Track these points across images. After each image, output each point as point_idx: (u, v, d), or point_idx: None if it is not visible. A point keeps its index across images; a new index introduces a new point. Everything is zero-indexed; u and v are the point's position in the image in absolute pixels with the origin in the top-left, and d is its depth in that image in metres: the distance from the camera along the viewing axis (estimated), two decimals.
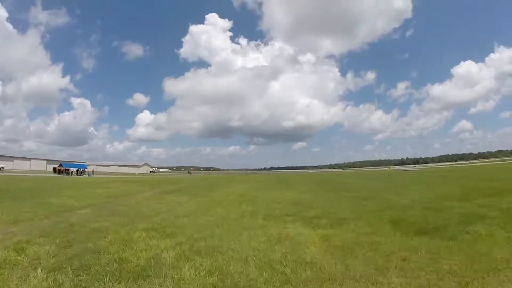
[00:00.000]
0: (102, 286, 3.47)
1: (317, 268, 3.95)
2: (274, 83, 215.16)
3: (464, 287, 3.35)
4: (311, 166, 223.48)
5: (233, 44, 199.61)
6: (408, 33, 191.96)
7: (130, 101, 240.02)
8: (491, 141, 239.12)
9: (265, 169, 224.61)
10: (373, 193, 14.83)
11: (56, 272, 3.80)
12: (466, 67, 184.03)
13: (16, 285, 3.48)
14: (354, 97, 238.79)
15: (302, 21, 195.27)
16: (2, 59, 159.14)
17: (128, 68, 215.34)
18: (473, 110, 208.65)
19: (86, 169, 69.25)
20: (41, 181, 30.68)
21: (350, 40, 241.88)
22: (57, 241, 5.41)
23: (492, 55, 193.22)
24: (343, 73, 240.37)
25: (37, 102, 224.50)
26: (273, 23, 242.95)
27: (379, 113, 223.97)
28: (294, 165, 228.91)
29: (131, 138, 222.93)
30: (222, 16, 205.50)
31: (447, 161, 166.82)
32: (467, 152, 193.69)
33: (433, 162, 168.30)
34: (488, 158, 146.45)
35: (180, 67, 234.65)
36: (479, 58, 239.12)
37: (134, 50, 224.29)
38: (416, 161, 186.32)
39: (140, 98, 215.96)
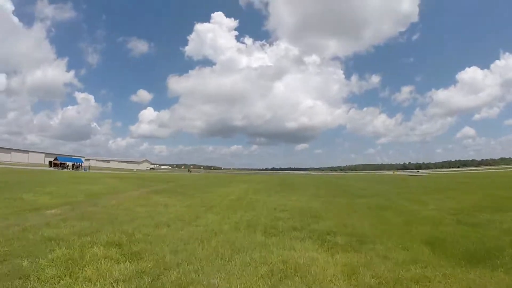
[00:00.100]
0: None
1: None
2: (278, 83, 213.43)
3: None
4: (313, 168, 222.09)
5: (238, 44, 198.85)
6: (414, 37, 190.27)
7: (133, 98, 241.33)
8: (494, 148, 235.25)
9: (266, 169, 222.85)
10: (388, 200, 13.13)
11: None
12: (471, 73, 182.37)
13: None
14: (358, 100, 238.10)
15: (308, 22, 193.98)
16: (7, 52, 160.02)
17: (133, 64, 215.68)
18: (477, 116, 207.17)
19: (82, 164, 67.74)
20: (28, 174, 29.12)
21: (356, 42, 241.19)
22: None
23: (497, 61, 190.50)
24: (348, 75, 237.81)
25: (41, 96, 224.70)
26: (279, 23, 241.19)
27: (383, 116, 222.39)
28: (296, 167, 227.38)
29: (134, 135, 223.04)
30: (228, 15, 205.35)
31: (450, 167, 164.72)
32: (470, 159, 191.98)
33: (436, 168, 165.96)
34: (491, 165, 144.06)
35: (185, 65, 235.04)
36: (484, 64, 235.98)
37: (139, 46, 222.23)
38: (418, 166, 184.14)
39: (144, 94, 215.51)
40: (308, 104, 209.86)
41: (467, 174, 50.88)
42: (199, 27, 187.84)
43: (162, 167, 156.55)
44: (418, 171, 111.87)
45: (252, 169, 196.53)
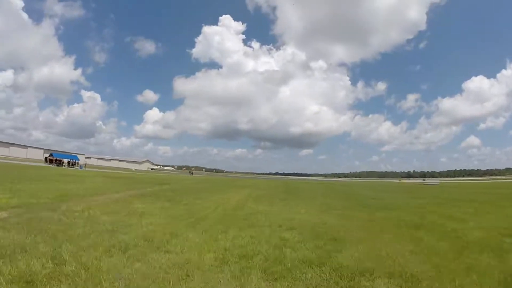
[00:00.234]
0: None
1: None
2: (284, 88, 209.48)
3: None
4: (316, 173, 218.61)
5: (245, 47, 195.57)
6: (421, 45, 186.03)
7: (139, 98, 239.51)
8: (499, 158, 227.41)
9: (270, 173, 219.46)
10: (413, 214, 10.87)
11: None
12: (477, 82, 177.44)
13: None
14: (364, 107, 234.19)
15: (316, 27, 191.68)
16: (15, 48, 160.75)
17: (140, 64, 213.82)
18: (482, 126, 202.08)
19: (78, 161, 65.92)
20: (15, 169, 27.14)
21: (363, 49, 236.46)
22: None
23: (503, 71, 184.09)
24: (354, 82, 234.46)
25: (48, 93, 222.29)
26: (287, 28, 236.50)
27: (388, 124, 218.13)
28: (300, 172, 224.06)
29: (139, 135, 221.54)
30: (235, 19, 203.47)
31: (455, 176, 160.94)
32: (475, 168, 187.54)
33: (440, 177, 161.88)
34: (496, 175, 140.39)
35: (192, 67, 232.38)
36: (490, 73, 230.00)
37: (147, 46, 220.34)
38: (423, 175, 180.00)
39: (149, 95, 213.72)
40: (313, 110, 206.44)
41: (482, 184, 47.89)
42: (207, 29, 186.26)
43: (165, 168, 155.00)
44: (424, 180, 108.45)
45: (255, 173, 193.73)
